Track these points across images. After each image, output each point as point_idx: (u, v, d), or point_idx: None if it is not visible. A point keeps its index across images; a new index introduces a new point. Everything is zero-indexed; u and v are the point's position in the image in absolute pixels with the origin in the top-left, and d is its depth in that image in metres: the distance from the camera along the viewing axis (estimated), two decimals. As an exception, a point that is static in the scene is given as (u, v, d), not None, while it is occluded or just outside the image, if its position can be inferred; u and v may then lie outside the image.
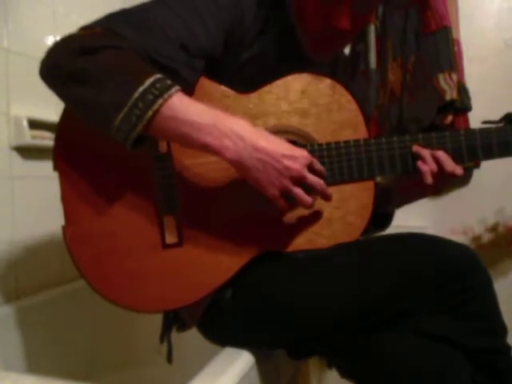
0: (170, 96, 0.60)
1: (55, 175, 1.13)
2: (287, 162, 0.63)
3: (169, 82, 0.61)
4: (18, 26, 1.10)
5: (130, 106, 0.59)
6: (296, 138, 0.76)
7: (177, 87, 0.61)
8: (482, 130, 0.76)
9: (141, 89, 0.59)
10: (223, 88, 0.74)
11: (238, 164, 0.63)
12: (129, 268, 0.70)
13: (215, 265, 0.72)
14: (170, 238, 0.71)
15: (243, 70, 0.76)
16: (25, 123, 1.07)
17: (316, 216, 0.76)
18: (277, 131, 0.74)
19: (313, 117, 0.76)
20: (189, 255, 0.71)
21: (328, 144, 0.75)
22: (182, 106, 0.61)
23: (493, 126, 0.78)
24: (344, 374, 0.75)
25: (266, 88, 0.75)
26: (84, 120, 0.66)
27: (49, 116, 1.15)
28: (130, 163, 0.71)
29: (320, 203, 0.75)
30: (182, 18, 0.68)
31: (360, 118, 0.78)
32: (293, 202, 0.67)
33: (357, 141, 0.75)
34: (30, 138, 1.07)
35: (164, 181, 0.71)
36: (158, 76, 0.61)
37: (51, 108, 1.17)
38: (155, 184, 0.71)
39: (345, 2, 0.69)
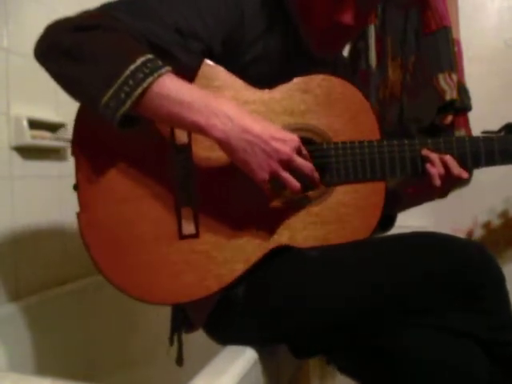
0: (160, 75, 0.61)
1: (55, 175, 1.13)
2: (276, 144, 0.63)
3: (160, 62, 0.62)
4: (18, 26, 1.09)
5: (120, 83, 0.60)
6: (312, 136, 0.77)
7: (168, 68, 0.62)
8: (485, 138, 0.80)
9: (132, 67, 0.60)
10: (242, 82, 0.75)
11: (225, 144, 0.62)
12: (144, 258, 0.69)
13: (231, 258, 0.72)
14: (187, 229, 0.71)
15: (247, 71, 0.76)
16: (25, 123, 1.06)
17: (329, 214, 0.76)
18: (294, 129, 0.75)
19: (330, 116, 0.77)
20: (205, 247, 0.71)
21: (343, 143, 0.77)
22: (171, 86, 0.61)
23: (494, 135, 0.81)
24: (345, 371, 0.75)
25: (284, 86, 0.76)
26: (74, 98, 0.66)
27: (49, 116, 1.15)
28: (148, 152, 0.71)
29: (333, 201, 0.76)
30: (178, 10, 0.69)
31: (374, 120, 0.80)
32: (280, 187, 0.66)
33: (370, 142, 0.78)
34: (30, 138, 1.07)
35: (182, 172, 0.71)
36: (150, 56, 0.62)
37: (51, 108, 1.17)
38: (173, 174, 0.71)
39: None
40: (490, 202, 1.47)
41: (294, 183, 0.65)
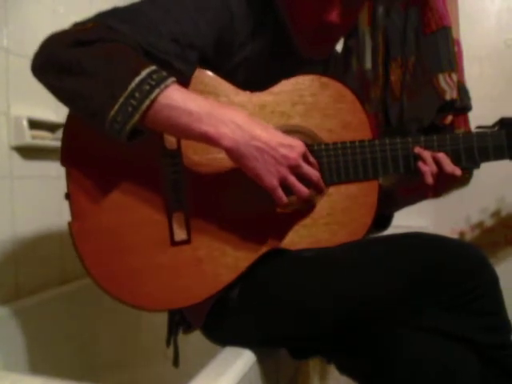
0: (166, 86, 0.60)
1: (55, 175, 1.13)
2: (284, 151, 0.64)
3: (165, 73, 0.61)
4: (18, 26, 1.10)
5: (126, 96, 0.59)
6: (303, 137, 0.77)
7: (173, 78, 0.62)
8: (478, 134, 0.79)
9: (137, 79, 0.59)
10: (233, 87, 0.75)
11: (235, 152, 0.62)
12: (136, 265, 0.69)
13: (224, 263, 0.72)
14: (179, 235, 0.71)
15: (237, 73, 0.76)
16: (25, 123, 1.07)
17: (322, 215, 0.76)
18: (284, 130, 0.75)
19: (319, 117, 0.77)
20: (197, 252, 0.71)
21: (334, 144, 0.77)
22: (178, 96, 0.61)
23: (488, 130, 0.80)
24: (344, 371, 0.75)
25: (273, 88, 0.76)
26: (76, 113, 0.65)
27: (49, 116, 1.15)
28: (138, 159, 0.71)
29: (326, 202, 0.76)
30: (172, 16, 0.69)
31: (364, 119, 0.79)
32: (288, 194, 0.66)
33: (362, 141, 0.77)
34: (30, 138, 1.07)
35: (173, 177, 0.71)
36: (154, 67, 0.61)
37: (51, 108, 1.17)
38: (164, 180, 0.71)
39: None
40: (490, 202, 1.47)
41: (302, 188, 0.66)
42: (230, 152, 0.63)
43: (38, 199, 1.13)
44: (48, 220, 1.15)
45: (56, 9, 1.22)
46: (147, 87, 0.59)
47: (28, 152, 1.10)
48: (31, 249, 1.10)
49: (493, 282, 0.66)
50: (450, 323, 0.64)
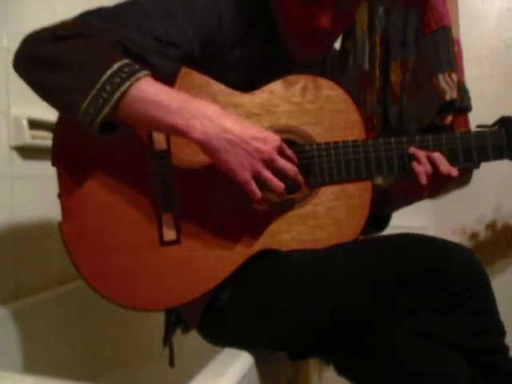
0: (137, 79, 0.61)
1: (55, 175, 1.13)
2: (257, 144, 0.63)
3: (137, 66, 0.62)
4: (18, 26, 1.09)
5: (97, 89, 0.60)
6: (295, 137, 0.76)
7: (146, 72, 0.62)
8: (477, 133, 0.78)
9: (109, 72, 0.60)
10: (224, 86, 0.75)
11: (206, 145, 0.62)
12: (126, 265, 0.70)
13: (214, 263, 0.72)
14: (169, 235, 0.71)
15: (229, 74, 0.76)
16: (25, 123, 1.07)
17: (314, 215, 0.75)
18: (276, 130, 0.74)
19: (312, 117, 0.77)
20: (187, 253, 0.71)
21: (327, 144, 0.76)
22: (149, 89, 0.61)
23: (487, 129, 0.79)
24: (342, 372, 0.75)
25: (265, 88, 0.76)
26: (54, 107, 0.66)
27: (49, 116, 1.14)
28: (128, 159, 0.71)
29: (319, 202, 0.75)
30: (155, 16, 0.69)
31: (358, 119, 0.79)
32: (264, 189, 0.65)
33: (355, 141, 0.76)
34: (30, 138, 1.07)
35: (163, 178, 0.71)
36: (127, 61, 0.61)
37: (51, 108, 1.17)
38: (154, 181, 0.71)
39: (325, 1, 0.69)
40: (489, 202, 1.47)
41: (277, 183, 0.65)
42: (202, 145, 0.62)
43: (37, 199, 1.13)
44: (48, 220, 1.15)
45: (56, 9, 1.22)
46: (118, 80, 0.60)
47: (28, 152, 1.10)
48: (31, 249, 1.10)
49: (483, 285, 0.66)
50: (443, 326, 0.64)
